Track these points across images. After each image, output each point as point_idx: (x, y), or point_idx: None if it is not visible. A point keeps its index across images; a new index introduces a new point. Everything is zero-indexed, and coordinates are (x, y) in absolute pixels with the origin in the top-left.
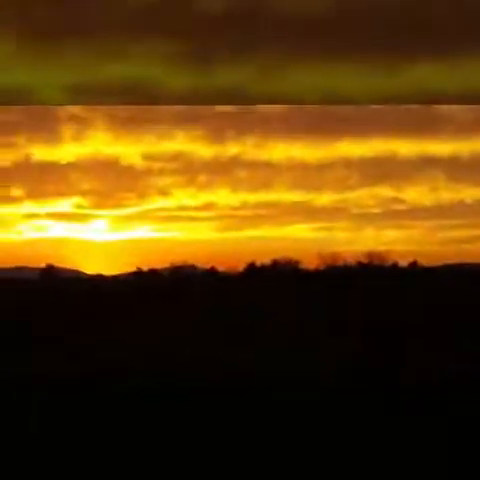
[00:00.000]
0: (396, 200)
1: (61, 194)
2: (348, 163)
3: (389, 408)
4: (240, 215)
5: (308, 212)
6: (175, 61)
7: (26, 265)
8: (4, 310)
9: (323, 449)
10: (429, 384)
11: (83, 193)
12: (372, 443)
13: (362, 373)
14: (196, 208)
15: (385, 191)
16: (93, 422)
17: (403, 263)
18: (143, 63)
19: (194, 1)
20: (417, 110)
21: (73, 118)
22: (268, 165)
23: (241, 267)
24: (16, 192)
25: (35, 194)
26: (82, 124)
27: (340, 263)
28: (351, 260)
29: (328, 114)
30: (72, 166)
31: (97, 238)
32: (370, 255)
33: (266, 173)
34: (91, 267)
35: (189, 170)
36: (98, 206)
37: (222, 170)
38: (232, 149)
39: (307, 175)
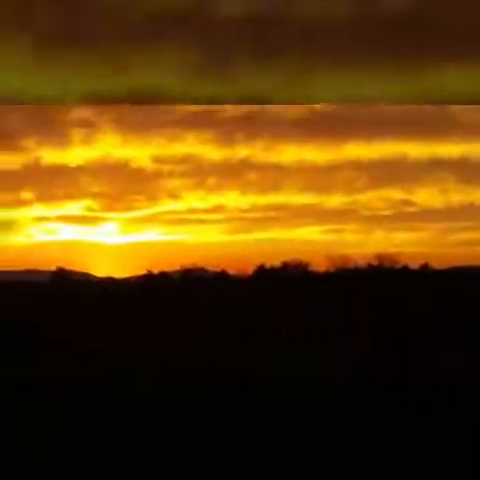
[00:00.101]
0: (406, 202)
1: (71, 197)
2: (358, 165)
3: (401, 410)
4: (250, 217)
5: (318, 214)
6: (187, 69)
7: (36, 268)
8: (14, 313)
9: (335, 451)
10: (441, 385)
11: (93, 196)
12: (385, 445)
13: (373, 375)
14: (206, 211)
15: (395, 193)
16: (103, 425)
17: (414, 265)
18: (154, 70)
19: (208, 6)
20: (427, 112)
21: (82, 121)
22: (277, 168)
23: (251, 269)
24: (26, 195)
25: (45, 197)
26: (91, 127)
27: (350, 265)
28: (361, 262)
29: (337, 116)
30: (82, 169)
31: (107, 241)
32: (380, 257)
33: (275, 176)
34: (101, 270)
35: (199, 173)
36: (108, 209)
37: (232, 173)
38: (242, 152)
39: (317, 177)
